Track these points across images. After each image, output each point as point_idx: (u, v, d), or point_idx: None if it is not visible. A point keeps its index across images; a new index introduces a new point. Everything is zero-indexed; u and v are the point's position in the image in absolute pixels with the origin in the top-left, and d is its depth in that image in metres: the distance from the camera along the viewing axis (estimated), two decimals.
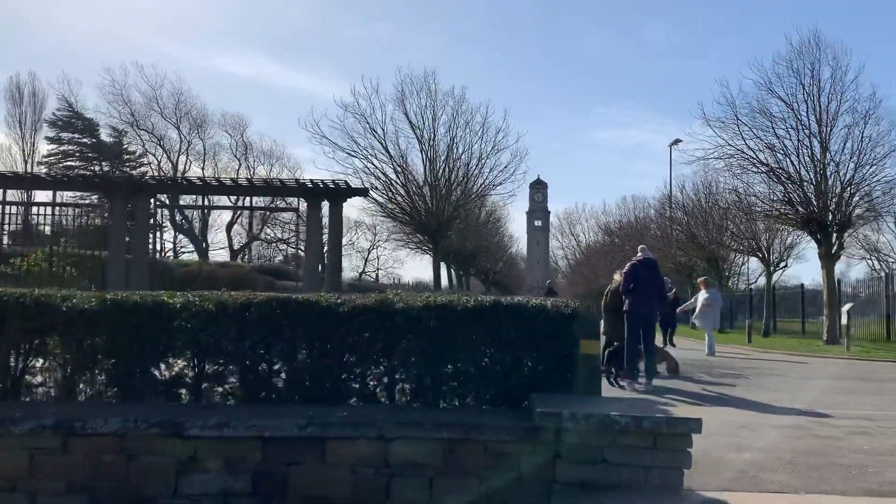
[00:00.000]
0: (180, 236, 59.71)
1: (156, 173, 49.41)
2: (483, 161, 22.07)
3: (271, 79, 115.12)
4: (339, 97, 42.63)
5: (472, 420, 4.60)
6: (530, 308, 5.20)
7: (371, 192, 21.36)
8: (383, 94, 21.77)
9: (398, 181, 21.46)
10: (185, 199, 35.31)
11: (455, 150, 22.11)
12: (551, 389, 5.23)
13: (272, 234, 60.29)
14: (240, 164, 57.86)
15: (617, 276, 11.23)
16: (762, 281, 45.92)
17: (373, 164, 21.15)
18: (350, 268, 70.79)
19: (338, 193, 20.15)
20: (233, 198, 33.28)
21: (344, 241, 61.53)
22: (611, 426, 4.29)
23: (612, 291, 10.90)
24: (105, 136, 56.76)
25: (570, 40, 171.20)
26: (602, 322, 11.64)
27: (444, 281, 32.82)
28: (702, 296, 16.65)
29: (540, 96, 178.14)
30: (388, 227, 28.73)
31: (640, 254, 10.49)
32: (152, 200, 21.03)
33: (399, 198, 21.52)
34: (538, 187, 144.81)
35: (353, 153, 21.03)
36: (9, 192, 21.03)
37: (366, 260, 69.89)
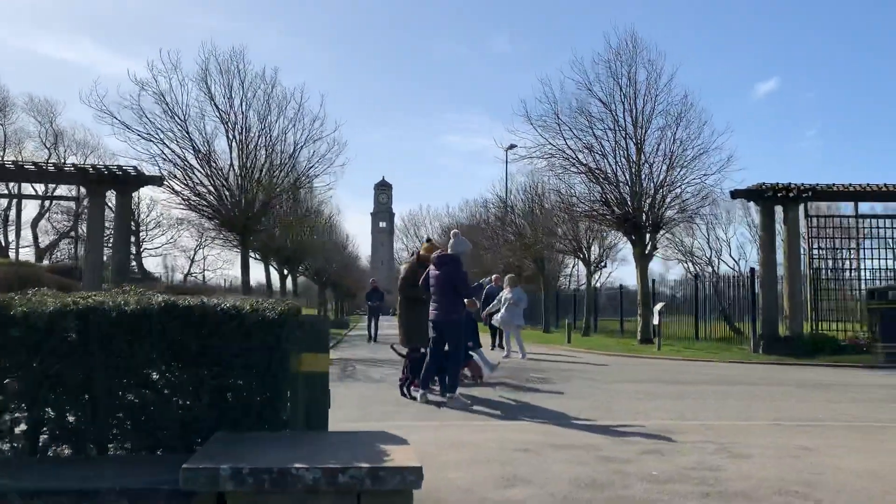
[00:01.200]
0: None
1: None
2: (298, 150, 20.38)
3: (99, 66, 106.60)
4: (133, 72, 38.48)
5: (96, 481, 3.07)
6: (218, 312, 3.75)
7: (169, 181, 19.02)
8: (187, 72, 19.47)
9: (201, 170, 19.23)
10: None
11: (268, 138, 20.24)
12: (254, 424, 3.82)
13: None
14: (49, 154, 52.46)
15: (404, 269, 10.09)
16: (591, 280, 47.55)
17: (171, 149, 18.78)
18: (177, 268, 66.08)
19: (126, 181, 17.68)
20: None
21: (165, 240, 57.41)
22: (293, 484, 2.93)
23: (400, 290, 9.78)
24: None
25: (419, 47, 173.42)
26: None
27: (267, 282, 30.60)
28: (505, 295, 15.82)
29: (389, 99, 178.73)
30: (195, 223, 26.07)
31: (451, 239, 9.21)
32: None
33: (201, 188, 19.27)
34: (383, 189, 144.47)
35: (147, 137, 18.54)
36: None
37: (192, 260, 65.48)
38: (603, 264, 30.80)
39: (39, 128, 52.14)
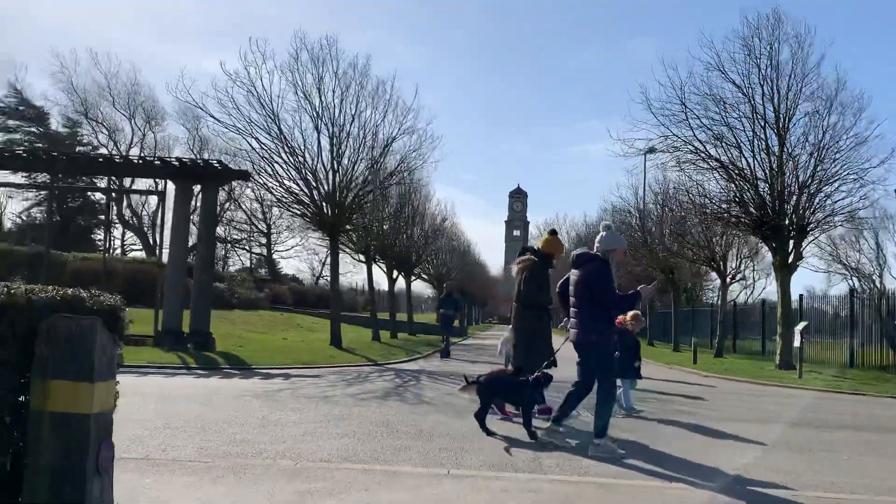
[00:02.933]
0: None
1: None
2: (390, 143, 19.10)
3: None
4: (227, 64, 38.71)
5: None
6: None
7: (257, 175, 18.31)
8: (279, 62, 18.75)
9: (292, 164, 18.35)
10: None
11: (362, 131, 19.10)
12: None
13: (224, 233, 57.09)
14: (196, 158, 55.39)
15: (520, 269, 8.40)
16: (742, 296, 43.23)
17: (260, 142, 18.02)
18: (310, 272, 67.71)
19: (211, 175, 17.08)
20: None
21: (294, 243, 58.55)
22: None
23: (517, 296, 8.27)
24: (56, 125, 53.61)
25: (559, 55, 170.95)
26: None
27: (369, 283, 29.38)
28: None
29: (528, 108, 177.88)
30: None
31: (601, 232, 6.64)
32: None
33: (290, 183, 18.39)
34: (518, 196, 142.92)
35: (239, 130, 17.87)
36: None
37: (323, 263, 66.69)
38: (741, 275, 27.22)
39: (187, 135, 54.89)
